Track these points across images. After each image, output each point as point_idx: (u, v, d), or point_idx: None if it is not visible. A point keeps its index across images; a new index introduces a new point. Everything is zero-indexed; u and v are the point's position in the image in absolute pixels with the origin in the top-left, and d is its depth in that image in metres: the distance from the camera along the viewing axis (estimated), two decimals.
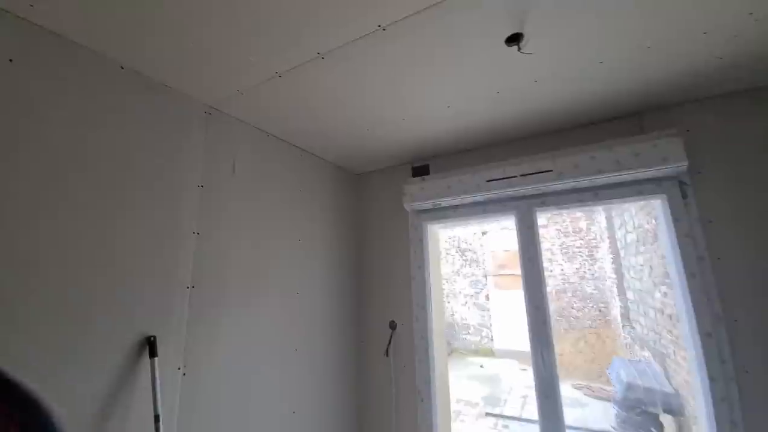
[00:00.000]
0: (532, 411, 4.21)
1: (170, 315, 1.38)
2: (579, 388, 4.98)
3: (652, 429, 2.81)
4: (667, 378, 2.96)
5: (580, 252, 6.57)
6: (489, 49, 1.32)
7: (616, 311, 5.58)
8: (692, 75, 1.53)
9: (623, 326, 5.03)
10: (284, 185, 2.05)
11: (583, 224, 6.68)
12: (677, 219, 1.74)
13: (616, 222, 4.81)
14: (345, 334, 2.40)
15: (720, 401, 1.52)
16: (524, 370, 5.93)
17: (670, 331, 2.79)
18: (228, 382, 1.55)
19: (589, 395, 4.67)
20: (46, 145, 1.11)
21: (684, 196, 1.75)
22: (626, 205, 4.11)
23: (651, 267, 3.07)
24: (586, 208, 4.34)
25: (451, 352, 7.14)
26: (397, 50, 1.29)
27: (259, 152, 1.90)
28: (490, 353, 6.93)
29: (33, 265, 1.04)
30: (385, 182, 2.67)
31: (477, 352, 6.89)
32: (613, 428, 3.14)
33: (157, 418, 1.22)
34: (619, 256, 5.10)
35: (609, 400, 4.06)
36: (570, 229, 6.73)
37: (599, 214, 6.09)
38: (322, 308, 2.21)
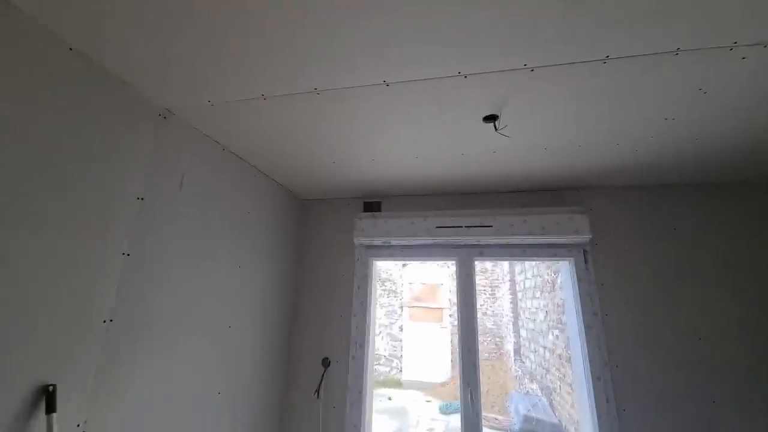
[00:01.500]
0: None
1: (78, 357, 1.10)
2: None
3: None
4: (552, 410, 3.46)
5: (484, 290, 7.35)
6: (466, 121, 1.48)
7: (509, 346, 6.33)
8: (603, 169, 1.96)
9: (515, 360, 5.71)
10: (233, 205, 1.87)
11: (488, 265, 7.55)
12: (580, 279, 2.13)
13: (518, 268, 5.56)
14: (274, 373, 2.21)
15: None
16: (429, 401, 6.19)
17: (558, 369, 3.30)
18: None
19: (485, 425, 5.10)
20: None
21: (585, 261, 2.16)
22: None
23: (546, 312, 3.64)
24: (513, 262, 4.95)
25: None
26: (390, 102, 1.36)
27: (212, 167, 1.72)
28: (397, 384, 7.06)
29: None
30: (332, 212, 2.65)
31: (385, 383, 6.95)
32: None
33: None
34: (516, 298, 5.87)
35: (502, 430, 4.48)
36: (478, 268, 7.51)
37: None
38: (253, 344, 2.01)
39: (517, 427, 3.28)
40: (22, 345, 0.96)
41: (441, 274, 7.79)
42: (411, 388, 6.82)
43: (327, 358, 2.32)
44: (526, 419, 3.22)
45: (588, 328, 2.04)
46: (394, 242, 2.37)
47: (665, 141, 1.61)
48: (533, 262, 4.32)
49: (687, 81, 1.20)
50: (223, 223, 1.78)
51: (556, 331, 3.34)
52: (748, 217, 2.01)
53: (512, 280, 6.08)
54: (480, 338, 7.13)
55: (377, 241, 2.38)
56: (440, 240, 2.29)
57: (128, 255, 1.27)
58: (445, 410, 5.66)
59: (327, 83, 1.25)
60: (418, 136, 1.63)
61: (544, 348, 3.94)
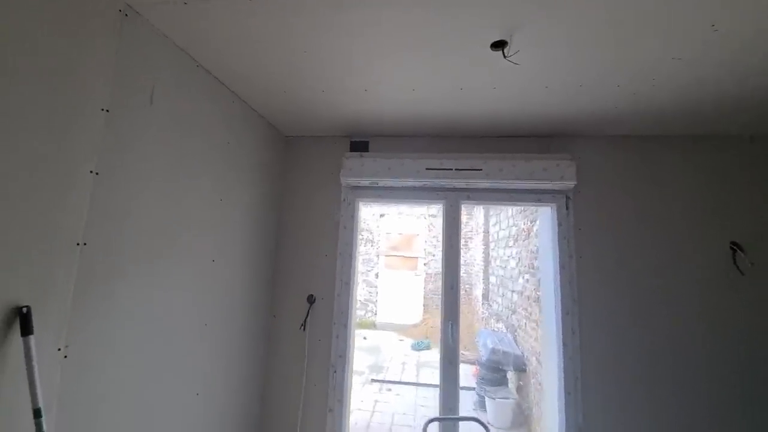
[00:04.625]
0: (410, 375, 4.82)
1: (53, 280, 1.01)
2: None
3: (502, 383, 3.62)
4: (516, 344, 3.82)
5: None
6: (473, 47, 1.37)
7: (478, 292, 6.76)
8: (596, 114, 1.94)
9: (483, 304, 6.15)
10: (210, 132, 1.71)
11: (464, 218, 7.75)
12: (560, 224, 2.22)
13: (492, 220, 5.76)
14: (258, 308, 2.22)
15: (569, 360, 2.05)
16: (401, 340, 6.65)
17: (525, 309, 3.58)
18: (121, 365, 1.25)
19: None
20: None
21: (567, 207, 2.23)
22: (505, 207, 4.91)
23: (519, 258, 3.85)
24: (498, 206, 5.04)
25: None
26: (393, 20, 1.22)
27: (185, 84, 1.53)
28: (372, 326, 7.47)
29: None
30: (317, 151, 2.52)
31: (361, 325, 7.34)
32: (476, 384, 3.88)
33: (37, 412, 0.90)
34: (489, 248, 6.15)
35: (470, 363, 4.94)
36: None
37: (479, 211, 7.17)
38: (240, 279, 1.98)
39: (484, 359, 3.62)
40: None
41: (417, 225, 7.95)
42: (385, 329, 7.26)
43: (312, 295, 2.35)
44: (493, 351, 3.54)
45: (562, 268, 2.17)
46: (381, 183, 2.32)
47: (666, 85, 1.60)
48: (509, 213, 4.46)
49: (700, 16, 1.15)
50: (201, 151, 1.64)
51: (527, 276, 3.56)
52: (729, 169, 2.10)
53: (486, 232, 6.33)
54: None
55: (364, 182, 2.32)
56: (428, 182, 2.26)
57: (97, 174, 1.14)
58: (417, 347, 6.14)
59: None
60: (419, 64, 1.51)
61: (512, 291, 4.23)
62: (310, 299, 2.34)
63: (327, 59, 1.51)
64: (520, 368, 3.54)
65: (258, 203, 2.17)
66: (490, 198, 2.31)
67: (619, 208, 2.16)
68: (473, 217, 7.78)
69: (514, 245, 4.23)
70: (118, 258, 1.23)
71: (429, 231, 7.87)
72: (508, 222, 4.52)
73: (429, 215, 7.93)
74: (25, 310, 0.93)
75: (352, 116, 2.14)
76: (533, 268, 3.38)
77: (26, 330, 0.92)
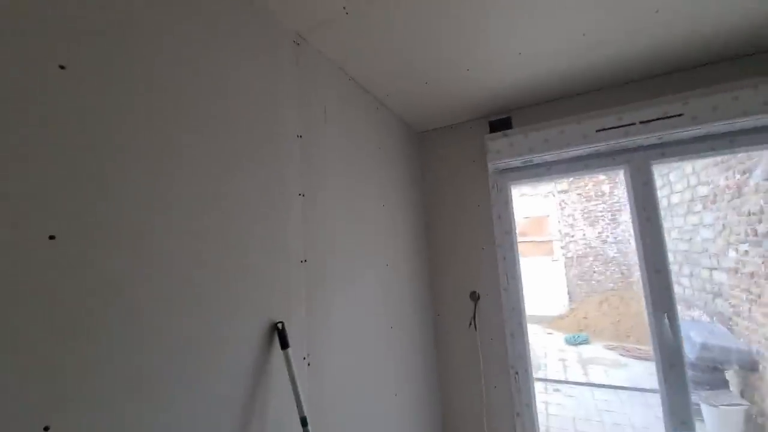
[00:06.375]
0: (575, 375, 4.25)
1: (291, 296, 1.11)
2: (612, 348, 5.04)
3: (721, 386, 2.80)
4: (734, 336, 2.93)
5: (602, 216, 6.49)
6: None
7: (638, 274, 5.58)
8: None
9: None
10: (366, 140, 1.74)
11: (606, 188, 6.56)
12: None
13: (659, 182, 4.65)
14: (425, 307, 2.20)
15: None
16: (550, 333, 5.98)
17: (747, 290, 2.70)
18: (343, 369, 1.32)
19: (625, 355, 4.73)
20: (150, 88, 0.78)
21: None
22: (675, 165, 3.93)
23: (723, 225, 2.93)
24: (711, 157, 4.13)
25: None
26: None
27: (345, 99, 1.58)
28: None
29: (151, 253, 0.75)
30: (453, 141, 2.37)
31: None
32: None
33: (303, 420, 0.99)
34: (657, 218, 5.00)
35: (647, 360, 4.08)
36: (592, 193, 6.60)
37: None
38: (407, 280, 1.99)
39: (693, 356, 2.86)
40: (250, 288, 0.98)
41: (547, 204, 7.07)
42: (529, 322, 6.67)
43: (475, 292, 2.21)
44: (705, 347, 2.76)
45: None
46: (537, 159, 2.03)
47: None
48: (690, 170, 3.50)
49: None
50: (363, 159, 1.68)
51: (744, 246, 2.68)
52: None
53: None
54: (602, 268, 6.46)
55: (515, 162, 2.07)
56: (602, 146, 1.86)
57: (303, 195, 1.22)
58: (573, 341, 5.41)
59: None
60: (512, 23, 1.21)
61: (712, 269, 3.29)
62: (474, 296, 2.21)
63: (470, 28, 1.35)
64: (750, 366, 2.67)
65: (408, 204, 2.15)
66: (699, 150, 1.77)
67: None
68: (617, 186, 6.51)
69: (702, 210, 3.28)
70: (329, 270, 1.31)
71: (562, 209, 6.90)
72: (688, 181, 3.55)
73: (559, 191, 6.95)
74: (280, 326, 1.03)
75: (489, 94, 1.93)
76: (756, 235, 2.51)
77: (284, 343, 1.02)
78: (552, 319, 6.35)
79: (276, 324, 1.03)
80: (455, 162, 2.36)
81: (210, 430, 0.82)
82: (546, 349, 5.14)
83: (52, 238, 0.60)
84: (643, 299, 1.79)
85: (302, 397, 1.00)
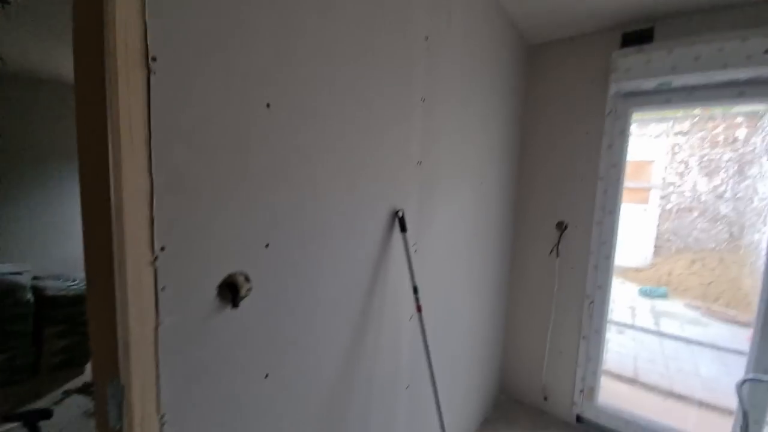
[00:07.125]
0: (644, 321, 4.19)
1: (408, 191, 1.26)
2: (694, 308, 4.72)
3: None
4: None
5: (725, 167, 5.46)
6: None
7: (758, 236, 4.81)
8: None
9: None
10: (481, 49, 1.66)
11: (741, 133, 5.36)
12: None
13: None
14: (508, 229, 2.27)
15: None
16: (622, 283, 5.71)
17: None
18: (439, 259, 1.51)
19: (708, 316, 4.42)
20: None
21: None
22: None
23: None
24: None
25: None
26: None
27: (465, 4, 1.48)
28: None
29: (333, 135, 0.90)
30: (571, 56, 2.12)
31: None
32: None
33: (415, 289, 1.22)
34: None
35: (734, 323, 3.78)
36: (721, 138, 5.47)
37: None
38: (495, 201, 2.04)
39: None
40: (378, 180, 1.13)
41: (655, 148, 6.09)
42: None
43: (563, 222, 2.19)
44: None
45: None
46: (677, 82, 1.75)
47: None
48: None
49: None
50: (475, 70, 1.63)
51: None
52: None
53: None
54: (707, 225, 5.68)
55: (648, 84, 1.81)
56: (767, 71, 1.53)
57: (424, 100, 1.28)
58: (648, 294, 5.15)
59: None
60: None
61: None
62: (560, 226, 2.20)
63: None
64: None
65: (508, 125, 2.08)
66: None
67: None
68: (757, 131, 5.26)
69: None
70: (436, 174, 1.42)
71: (674, 154, 5.90)
72: None
73: (675, 133, 5.87)
74: (401, 213, 1.20)
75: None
76: None
77: (403, 227, 1.20)
78: (628, 270, 6.00)
79: (396, 212, 1.21)
80: (569, 81, 2.14)
81: (356, 274, 1.06)
82: (616, 296, 5.00)
83: (268, 106, 0.78)
84: (749, 264, 1.62)
85: (414, 271, 1.21)
